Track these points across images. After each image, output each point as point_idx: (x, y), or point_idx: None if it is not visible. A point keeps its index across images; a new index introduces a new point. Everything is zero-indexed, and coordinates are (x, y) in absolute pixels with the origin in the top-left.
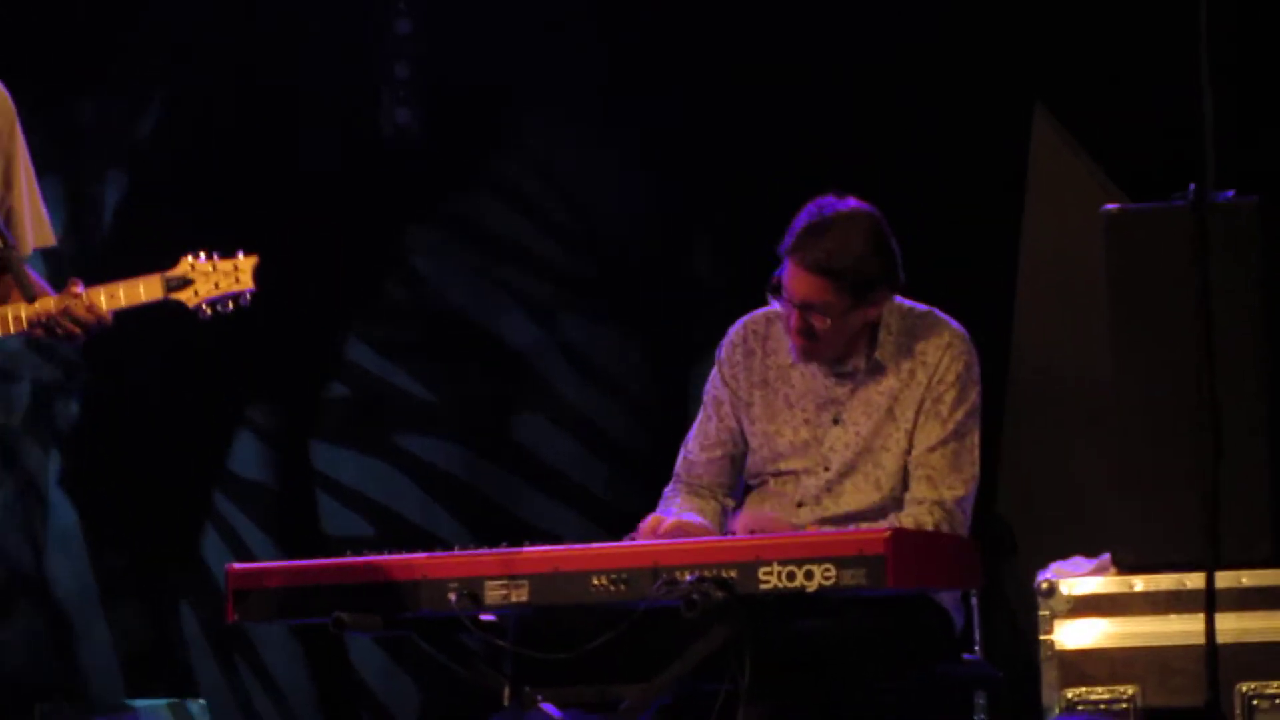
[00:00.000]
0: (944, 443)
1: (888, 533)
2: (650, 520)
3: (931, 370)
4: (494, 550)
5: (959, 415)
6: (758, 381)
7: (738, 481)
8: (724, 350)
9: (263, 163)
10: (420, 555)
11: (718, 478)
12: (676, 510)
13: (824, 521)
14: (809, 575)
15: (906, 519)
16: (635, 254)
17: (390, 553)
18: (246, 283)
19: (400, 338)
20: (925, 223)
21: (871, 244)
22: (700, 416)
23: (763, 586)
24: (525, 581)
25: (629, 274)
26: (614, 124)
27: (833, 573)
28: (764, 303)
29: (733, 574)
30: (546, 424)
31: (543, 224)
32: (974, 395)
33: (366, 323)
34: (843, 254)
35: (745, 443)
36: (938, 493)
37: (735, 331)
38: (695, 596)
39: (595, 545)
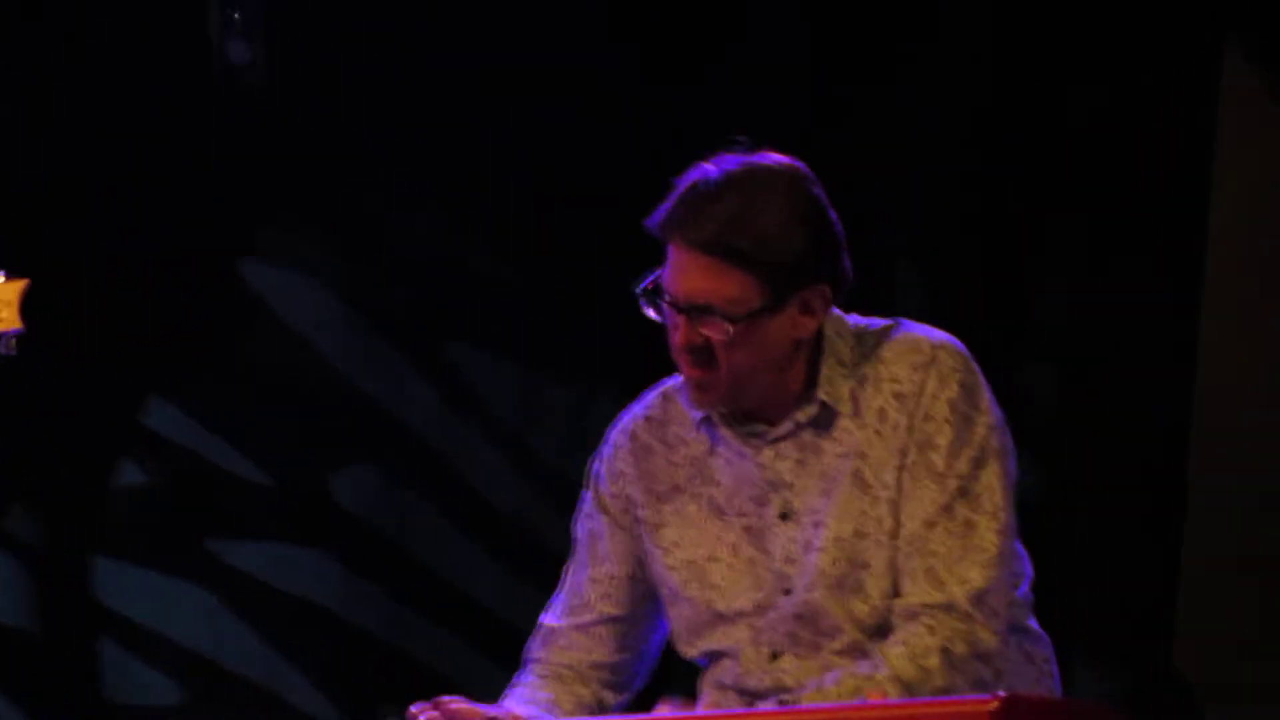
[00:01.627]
0: (946, 509)
1: (995, 703)
2: (469, 708)
3: (910, 404)
4: None
5: (962, 462)
6: (665, 490)
7: (629, 664)
8: (602, 463)
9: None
10: None
11: (589, 654)
12: (516, 701)
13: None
14: None
15: (898, 658)
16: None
17: None
18: (11, 320)
19: (227, 397)
20: (1091, 190)
21: (796, 213)
22: (569, 566)
23: None
24: None
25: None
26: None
27: None
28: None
29: None
30: (445, 525)
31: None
32: (982, 425)
33: (178, 376)
34: (750, 225)
35: (649, 599)
36: (944, 591)
37: (621, 430)
38: None
39: None
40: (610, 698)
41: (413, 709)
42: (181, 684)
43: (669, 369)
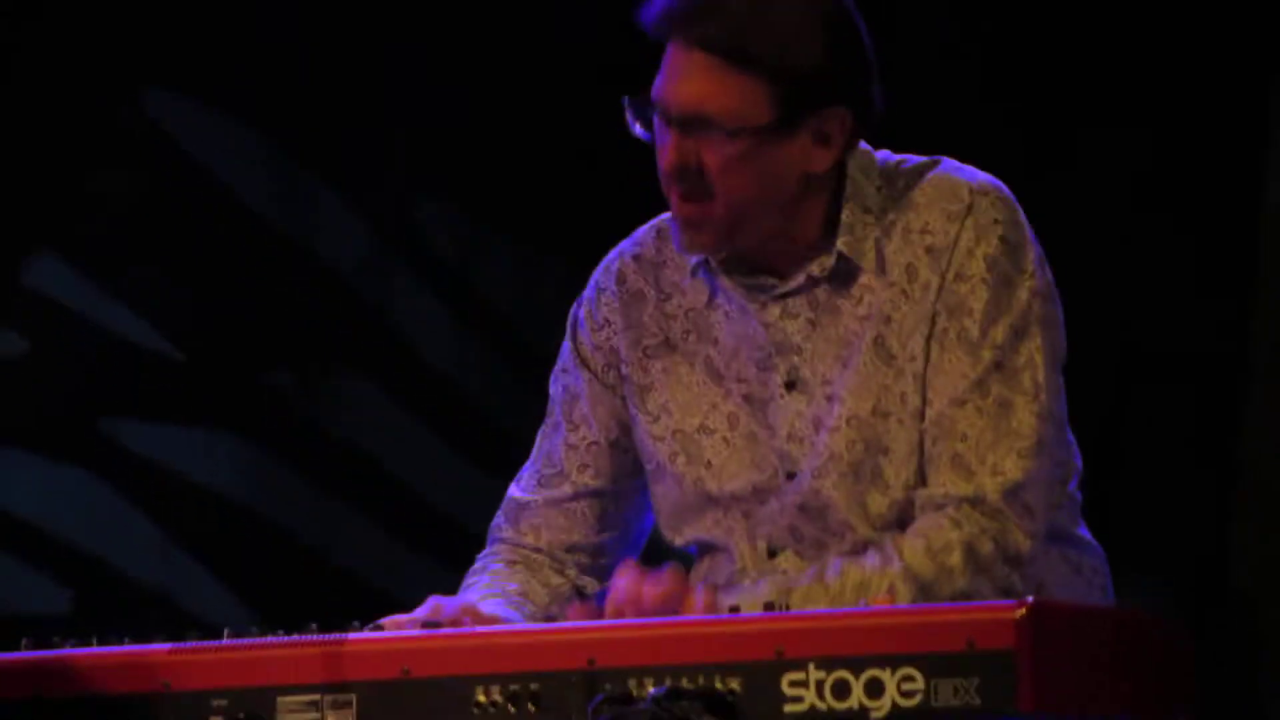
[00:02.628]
0: (978, 385)
1: (1020, 610)
2: (430, 606)
3: (943, 259)
4: (292, 639)
5: (1000, 332)
6: (655, 345)
7: (612, 546)
8: (584, 306)
9: None
10: (161, 647)
11: (567, 535)
12: (479, 592)
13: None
14: (873, 689)
15: (913, 552)
16: None
17: (103, 641)
18: None
19: (120, 234)
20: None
21: (818, 16)
22: (543, 429)
23: (790, 709)
24: (350, 696)
25: None
26: None
27: (918, 684)
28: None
29: (735, 685)
30: (373, 392)
31: None
32: (1025, 289)
33: (67, 216)
34: (763, 22)
35: (636, 471)
36: (972, 482)
37: (605, 269)
38: None
39: (479, 630)
40: (590, 584)
41: (385, 621)
42: (73, 586)
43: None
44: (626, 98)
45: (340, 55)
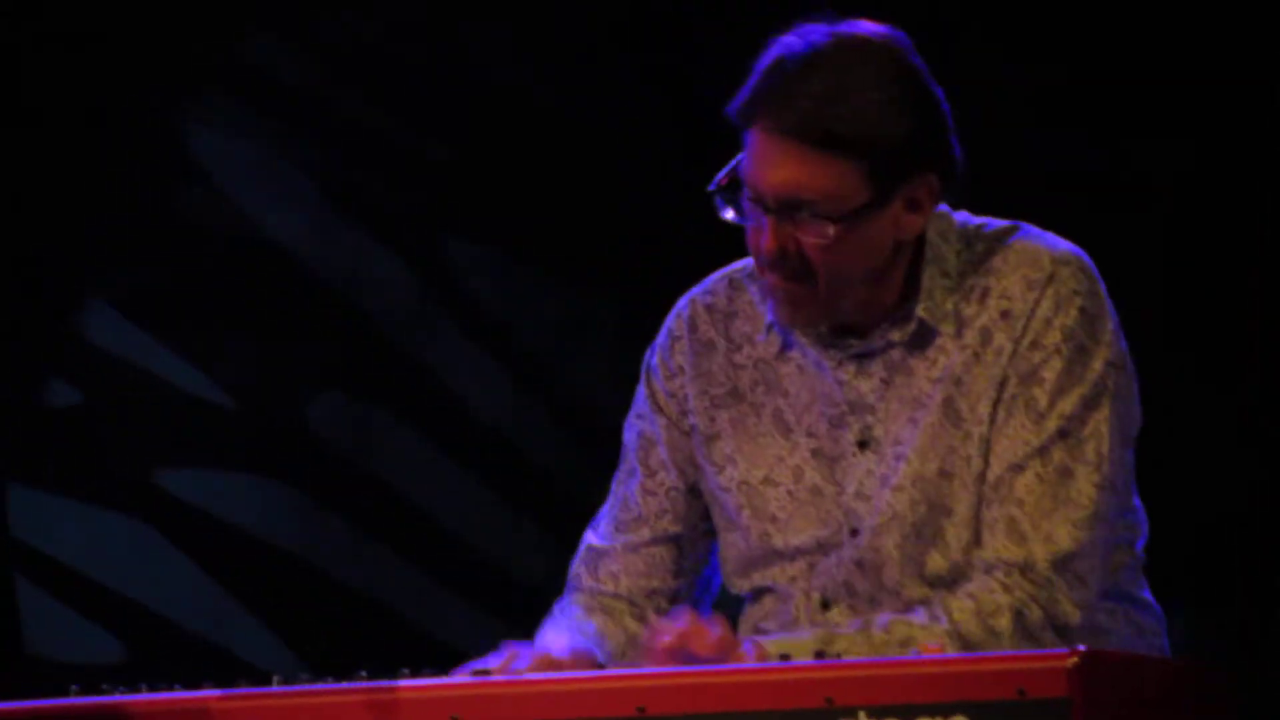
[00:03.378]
0: (1041, 452)
1: (1073, 658)
2: (505, 653)
3: (1018, 326)
4: (342, 686)
5: (1069, 403)
6: (723, 395)
7: (689, 591)
8: (657, 354)
9: None
10: (212, 693)
11: (647, 580)
12: (555, 632)
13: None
14: None
15: (963, 613)
16: None
17: (153, 689)
18: None
19: (167, 290)
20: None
21: (897, 89)
22: (618, 475)
23: None
24: None
25: None
26: None
27: None
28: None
29: None
30: (418, 439)
31: None
32: (1099, 360)
33: (116, 269)
34: (847, 104)
35: (704, 515)
36: (1024, 548)
37: (677, 317)
38: None
39: (530, 677)
40: None
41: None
42: (124, 638)
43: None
44: (714, 186)
45: (384, 100)
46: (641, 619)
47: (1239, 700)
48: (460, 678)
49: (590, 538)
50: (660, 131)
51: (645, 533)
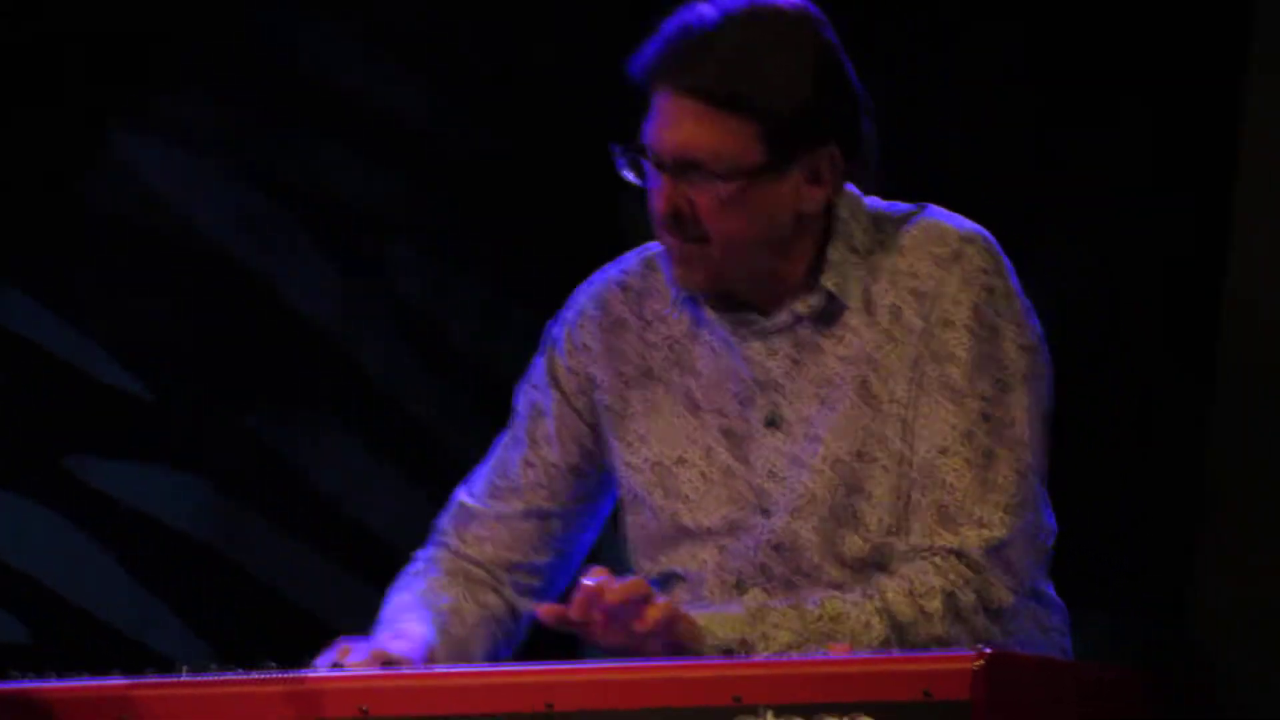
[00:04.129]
0: (966, 436)
1: (979, 660)
2: (338, 648)
3: (927, 304)
4: (249, 676)
5: (985, 383)
6: (634, 374)
7: (551, 568)
8: (564, 326)
9: None
10: (119, 681)
11: (510, 552)
12: (408, 603)
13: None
14: None
15: (895, 593)
16: None
17: (60, 675)
18: None
19: (86, 279)
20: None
21: (806, 58)
22: (502, 438)
23: None
24: None
25: None
26: None
27: None
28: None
29: None
30: (335, 429)
31: None
32: (1010, 341)
33: (26, 259)
34: (752, 67)
35: (588, 498)
36: (957, 534)
37: (590, 293)
38: None
39: (441, 669)
40: (524, 604)
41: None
42: (31, 624)
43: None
44: (616, 145)
45: (309, 93)
46: (498, 592)
47: (1147, 703)
48: (371, 670)
49: (463, 494)
50: (583, 129)
51: (518, 504)
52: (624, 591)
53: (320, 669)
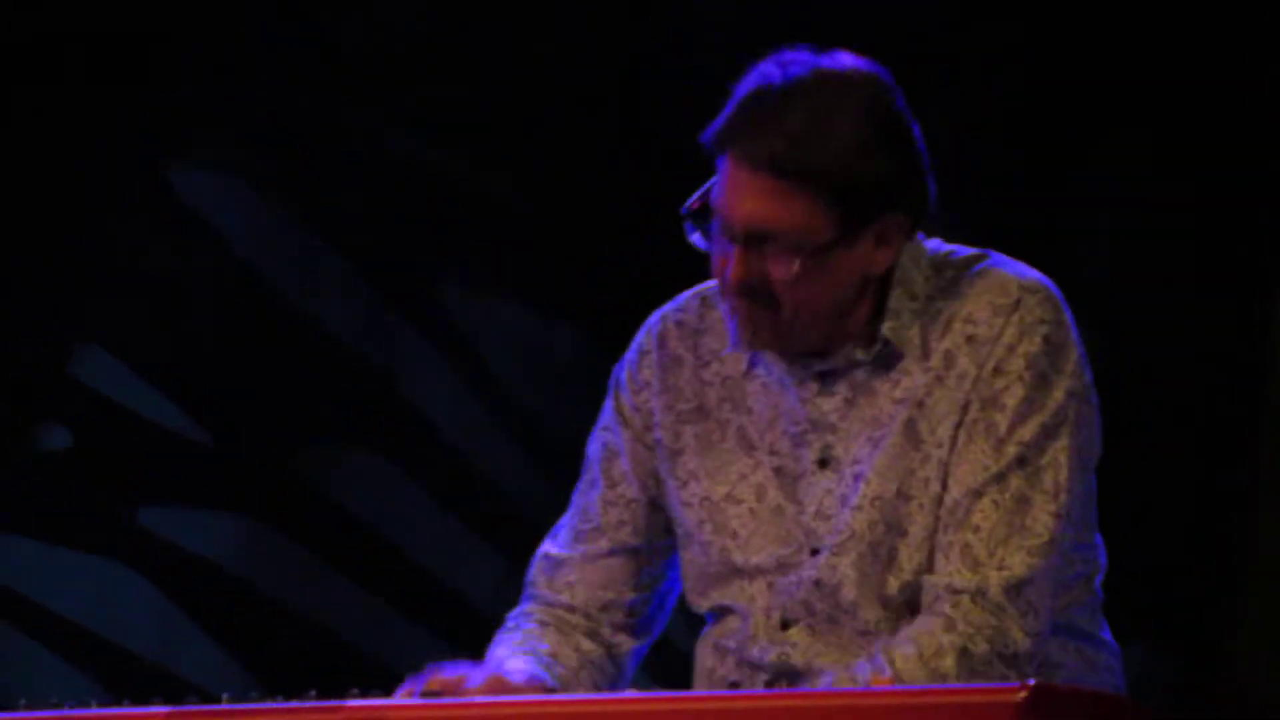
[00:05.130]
0: (998, 479)
1: (1022, 693)
2: (458, 671)
3: (982, 351)
4: (289, 705)
5: (1028, 430)
6: (689, 411)
7: (645, 605)
8: (625, 369)
9: None
10: (160, 710)
11: (603, 592)
12: (510, 650)
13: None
14: None
15: (905, 660)
16: None
17: (104, 704)
18: None
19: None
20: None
21: (875, 129)
22: (579, 487)
23: None
24: None
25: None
26: None
27: None
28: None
29: None
30: (379, 464)
31: None
32: (1061, 390)
33: (108, 316)
34: (822, 141)
35: (665, 529)
36: (978, 574)
37: (648, 332)
38: None
39: (479, 700)
40: (625, 643)
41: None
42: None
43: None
44: (685, 209)
45: (347, 124)
46: (594, 635)
47: None
48: (407, 698)
49: (548, 546)
50: (627, 155)
51: (604, 543)
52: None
53: (365, 700)
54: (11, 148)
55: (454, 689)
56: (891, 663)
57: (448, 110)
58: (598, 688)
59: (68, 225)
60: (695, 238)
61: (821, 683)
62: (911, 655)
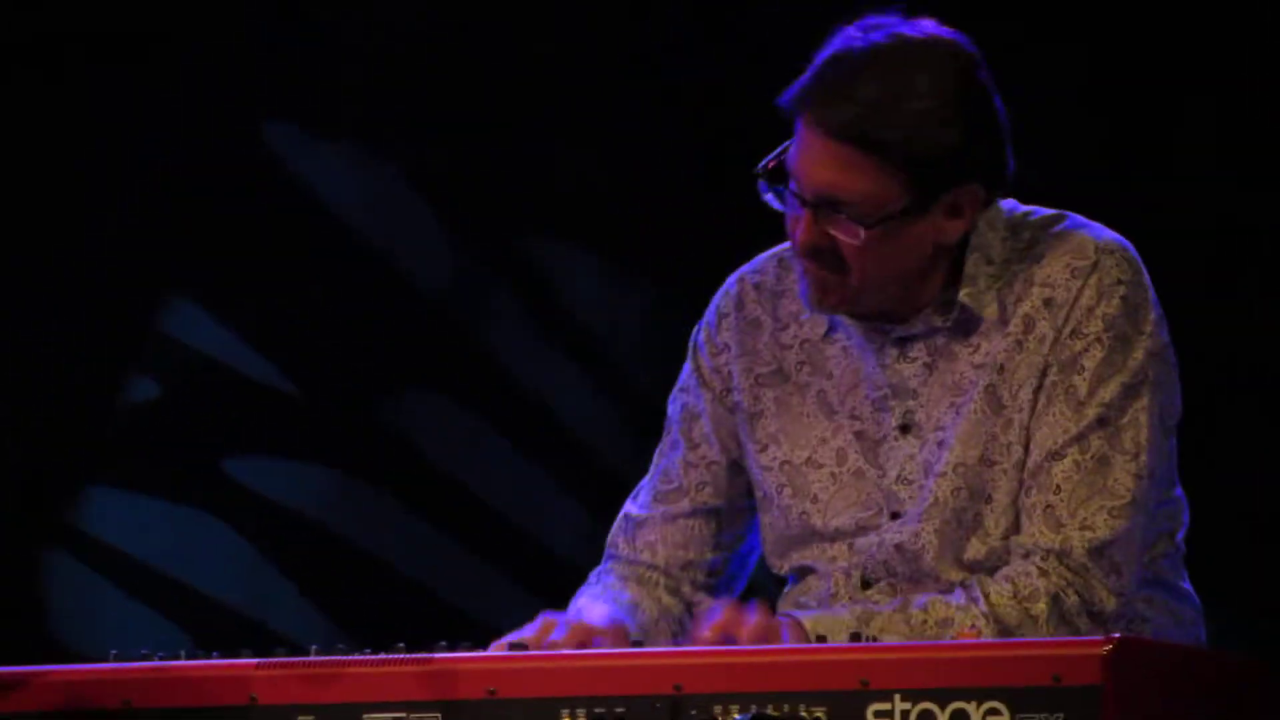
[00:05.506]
0: (1079, 440)
1: (1108, 645)
2: (540, 623)
3: (1060, 314)
4: (378, 657)
5: (1108, 391)
6: (768, 374)
7: (725, 564)
8: (704, 330)
9: None
10: (249, 661)
11: (683, 551)
12: (591, 599)
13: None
14: None
15: (1000, 595)
16: None
17: (190, 656)
18: None
19: (241, 277)
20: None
21: (953, 100)
22: (660, 448)
23: None
24: (435, 715)
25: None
26: None
27: (1003, 717)
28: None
29: (820, 713)
30: (463, 415)
31: None
32: (1141, 349)
33: (196, 269)
34: (897, 111)
35: (746, 491)
36: (1060, 534)
37: (725, 294)
38: None
39: (566, 653)
40: (705, 601)
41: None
42: (175, 616)
43: None
44: (760, 169)
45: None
46: (675, 592)
47: (1275, 689)
48: (497, 652)
49: (630, 507)
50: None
51: (685, 504)
52: (753, 637)
53: (453, 653)
54: (97, 95)
55: (539, 642)
56: (986, 595)
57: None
58: (675, 639)
59: (156, 178)
60: (769, 197)
61: (915, 602)
62: (1006, 592)
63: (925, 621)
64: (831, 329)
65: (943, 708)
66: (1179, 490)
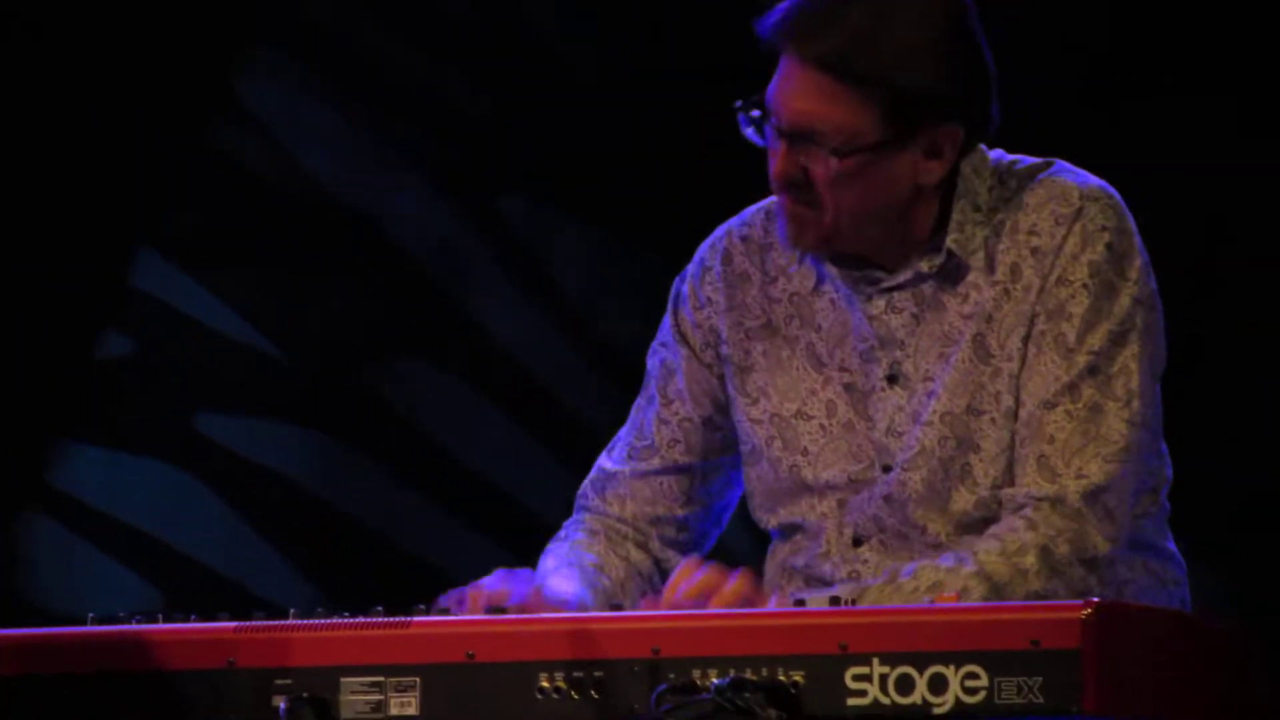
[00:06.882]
0: (1070, 389)
1: (1086, 610)
2: (494, 585)
3: (1047, 261)
4: (356, 620)
5: (1097, 338)
6: (757, 328)
7: (696, 520)
8: (687, 281)
9: None
10: (227, 625)
11: (652, 507)
12: (554, 561)
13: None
14: (936, 685)
15: (989, 554)
16: None
17: (168, 619)
18: None
19: (218, 236)
20: None
21: (936, 34)
22: (638, 402)
23: (853, 703)
24: (414, 679)
25: None
26: None
27: (982, 681)
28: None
29: (799, 677)
30: (445, 378)
31: None
32: (1127, 296)
33: (173, 225)
34: (878, 41)
35: (726, 449)
36: (1056, 483)
37: (711, 247)
38: None
39: (545, 616)
40: (675, 558)
41: (443, 599)
42: (152, 577)
43: None
44: (739, 103)
45: (416, 40)
46: (644, 548)
47: (1260, 658)
48: (477, 615)
49: (604, 460)
50: (693, 72)
51: (655, 461)
52: (732, 603)
53: (431, 616)
54: (76, 55)
55: (499, 603)
56: (974, 555)
57: (524, 33)
58: (643, 595)
59: (131, 133)
60: (749, 132)
61: (904, 571)
62: (994, 550)
63: (916, 589)
64: (820, 281)
65: (921, 671)
66: (1163, 446)
